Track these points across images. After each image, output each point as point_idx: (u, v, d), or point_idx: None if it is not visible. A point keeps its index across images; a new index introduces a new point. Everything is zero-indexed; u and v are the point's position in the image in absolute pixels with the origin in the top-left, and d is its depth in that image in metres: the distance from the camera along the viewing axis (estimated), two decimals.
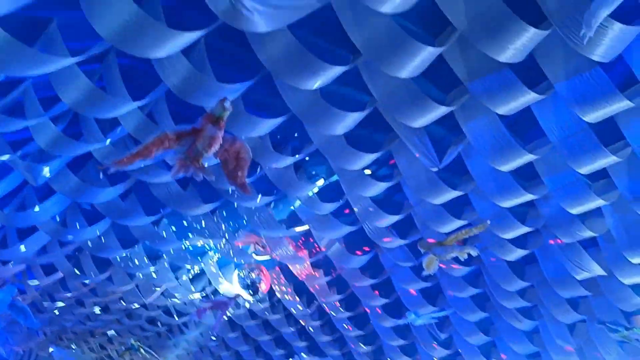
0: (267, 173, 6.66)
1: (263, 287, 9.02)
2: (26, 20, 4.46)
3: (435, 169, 5.98)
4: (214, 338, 8.73)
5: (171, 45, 4.16)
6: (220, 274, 9.76)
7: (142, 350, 12.40)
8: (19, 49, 4.14)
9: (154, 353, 12.48)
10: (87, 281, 9.46)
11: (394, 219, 7.34)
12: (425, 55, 4.69)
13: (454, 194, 6.62)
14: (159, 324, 12.95)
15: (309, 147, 6.27)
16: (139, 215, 7.29)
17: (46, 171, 5.73)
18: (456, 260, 6.13)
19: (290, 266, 9.86)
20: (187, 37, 4.20)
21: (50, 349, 15.22)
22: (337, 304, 10.40)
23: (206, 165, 3.25)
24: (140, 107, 4.92)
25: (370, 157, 6.34)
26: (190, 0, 4.47)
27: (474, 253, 5.63)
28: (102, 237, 7.85)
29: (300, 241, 8.86)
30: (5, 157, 5.42)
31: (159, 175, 6.49)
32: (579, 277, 7.79)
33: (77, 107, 4.64)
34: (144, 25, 3.94)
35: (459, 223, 7.22)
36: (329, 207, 7.35)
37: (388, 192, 7.04)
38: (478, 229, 5.54)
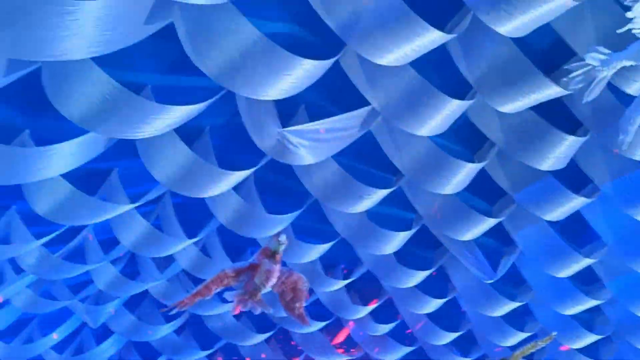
0: (320, 297, 6.62)
1: None
2: (88, 171, 4.79)
3: (490, 281, 5.85)
4: None
5: (223, 184, 4.39)
6: None
7: None
8: (83, 200, 4.42)
9: None
10: None
11: (453, 336, 7.07)
12: (466, 171, 4.79)
13: (512, 305, 6.41)
14: None
15: (360, 269, 6.27)
16: (194, 349, 7.24)
17: (107, 312, 5.84)
18: None
19: None
20: (238, 176, 4.43)
21: None
22: None
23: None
24: (194, 243, 5.09)
25: (422, 274, 6.27)
26: (239, 138, 4.77)
27: None
28: None
29: None
30: (66, 303, 5.58)
31: (213, 308, 6.53)
32: None
33: (135, 249, 4.83)
34: (197, 168, 4.20)
35: (522, 335, 6.90)
36: (384, 328, 7.17)
37: (445, 307, 6.85)
38: (544, 342, 5.24)
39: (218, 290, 3.21)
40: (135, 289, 5.52)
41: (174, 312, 3.29)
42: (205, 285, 3.19)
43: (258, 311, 3.33)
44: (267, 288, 3.19)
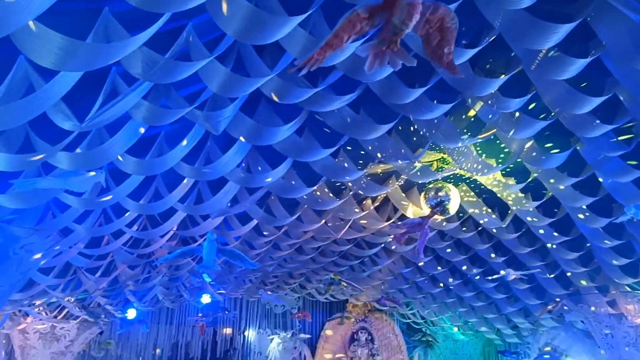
0: (442, 75, 6.03)
1: (452, 206, 8.48)
2: None
3: None
4: (422, 263, 8.43)
5: None
6: (405, 197, 9.46)
7: (343, 283, 12.75)
8: None
9: (354, 284, 12.77)
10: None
11: (595, 101, 6.30)
12: None
13: None
14: (351, 257, 13.18)
15: (487, 35, 5.51)
16: (317, 149, 7.13)
17: (226, 117, 5.73)
18: None
19: (479, 178, 9.25)
20: None
21: (258, 295, 16.42)
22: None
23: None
24: (301, 25, 4.58)
25: (559, 33, 5.40)
26: None
27: None
28: (286, 178, 7.89)
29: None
30: (185, 111, 5.50)
31: (330, 102, 6.22)
32: None
33: (240, 36, 4.41)
34: None
35: None
36: (517, 102, 6.52)
37: (585, 72, 6.00)
38: None
39: (350, 39, 2.67)
40: (248, 86, 5.24)
41: (304, 71, 2.78)
42: (334, 34, 2.62)
43: (398, 65, 2.79)
44: (409, 28, 2.58)
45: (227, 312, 16.38)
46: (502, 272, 9.82)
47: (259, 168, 7.56)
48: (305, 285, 16.12)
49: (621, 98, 6.61)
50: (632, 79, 5.96)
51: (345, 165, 7.79)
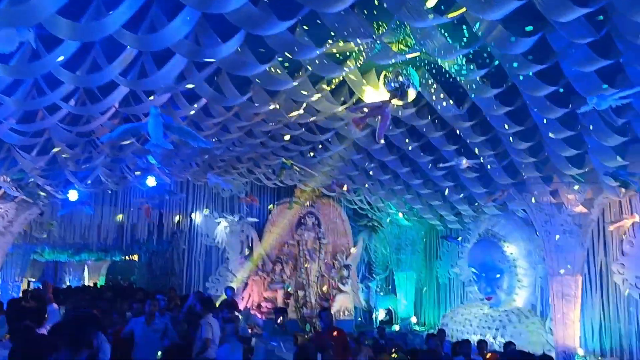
0: None
1: (412, 91, 8.14)
2: None
3: None
4: (382, 142, 8.18)
5: None
6: (364, 80, 9.03)
7: (295, 167, 12.54)
8: None
9: (306, 168, 12.59)
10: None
11: None
12: None
13: None
14: (302, 142, 12.89)
15: None
16: (274, 21, 6.49)
17: None
18: None
19: (440, 63, 8.87)
20: None
21: (204, 179, 16.11)
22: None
23: None
24: None
25: None
26: None
27: None
28: (239, 53, 7.27)
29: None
30: None
31: None
32: None
33: None
34: None
35: None
36: None
37: None
38: None
39: None
40: None
41: None
42: None
43: None
44: None
45: (172, 196, 16.09)
46: (465, 162, 9.77)
47: (209, 40, 6.88)
48: (254, 170, 15.89)
49: None
50: None
51: (304, 40, 7.21)
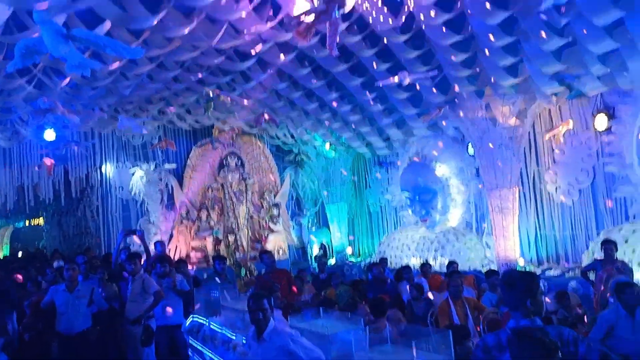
0: None
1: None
2: None
3: None
4: (336, 53, 7.23)
5: None
6: None
7: (222, 97, 11.34)
8: None
9: (236, 98, 11.43)
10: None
11: None
12: None
13: None
14: (219, 74, 11.68)
15: None
16: None
17: None
18: None
19: None
20: None
21: (112, 126, 14.56)
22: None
23: None
24: None
25: None
26: None
27: None
28: None
29: None
30: None
31: None
32: None
33: None
34: None
35: None
36: None
37: None
38: None
39: None
40: None
41: None
42: None
43: None
44: None
45: (79, 145, 14.43)
46: (409, 77, 9.04)
47: None
48: (166, 111, 14.47)
49: None
50: None
51: None
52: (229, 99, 11.22)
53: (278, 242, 17.53)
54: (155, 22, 7.68)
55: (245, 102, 11.33)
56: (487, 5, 8.36)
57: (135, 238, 11.86)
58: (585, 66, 9.60)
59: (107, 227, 16.27)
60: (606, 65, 9.52)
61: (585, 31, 8.62)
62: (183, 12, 7.92)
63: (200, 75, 11.23)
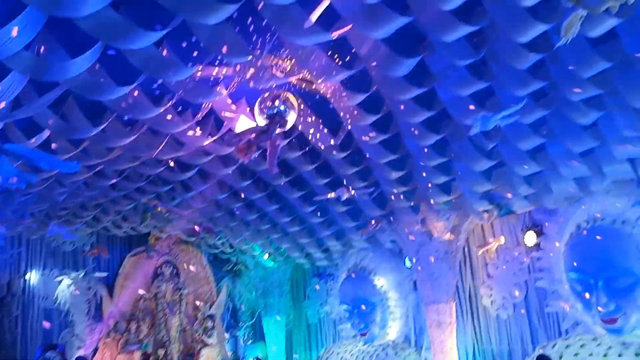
0: None
1: (291, 117, 7.50)
2: None
3: None
4: (276, 171, 7.34)
5: None
6: (234, 106, 8.22)
7: (158, 208, 11.16)
8: None
9: (174, 208, 11.27)
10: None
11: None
12: None
13: None
14: (159, 183, 11.62)
15: None
16: (138, 32, 5.49)
17: None
18: None
19: (314, 87, 8.35)
20: None
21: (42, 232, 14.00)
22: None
23: None
24: None
25: None
26: None
27: (631, 0, 4.13)
28: (92, 72, 6.09)
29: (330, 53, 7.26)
30: None
31: None
32: None
33: None
34: None
35: None
36: None
37: None
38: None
39: None
40: None
41: None
42: None
43: None
44: None
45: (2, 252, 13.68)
46: (346, 193, 9.28)
47: (55, 54, 5.65)
48: (101, 217, 14.10)
49: None
50: None
51: (173, 58, 6.25)
52: (166, 210, 11.08)
53: (211, 356, 16.66)
54: (98, 131, 7.67)
55: (184, 212, 11.20)
56: (420, 128, 8.85)
57: (55, 354, 11.02)
58: (513, 186, 10.18)
59: (25, 339, 15.06)
60: (532, 186, 10.13)
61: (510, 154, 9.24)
62: (125, 123, 7.97)
63: (139, 184, 11.12)
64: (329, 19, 6.33)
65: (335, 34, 6.48)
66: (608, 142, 8.60)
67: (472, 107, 8.01)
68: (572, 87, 7.46)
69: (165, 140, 8.60)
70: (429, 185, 10.69)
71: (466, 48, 6.92)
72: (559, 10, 5.92)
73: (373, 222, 12.00)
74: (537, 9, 6.01)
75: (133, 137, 8.14)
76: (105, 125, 7.59)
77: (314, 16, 6.01)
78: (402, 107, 8.22)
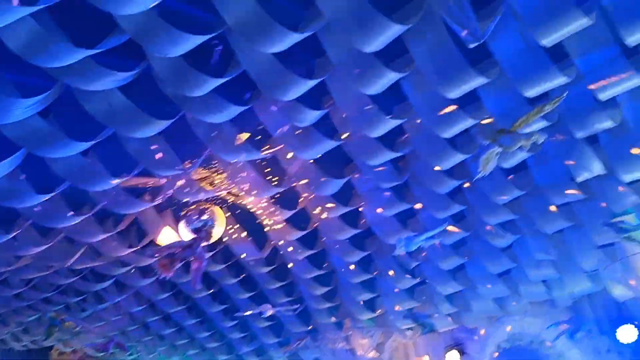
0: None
1: (217, 231, 7.40)
2: None
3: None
4: (199, 287, 7.03)
5: None
6: (159, 218, 8.02)
7: (67, 323, 10.32)
8: None
9: (84, 323, 10.46)
10: None
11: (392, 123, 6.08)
12: None
13: None
14: (71, 293, 10.90)
15: None
16: (65, 141, 5.38)
17: None
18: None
19: (242, 202, 8.34)
20: None
21: None
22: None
23: None
24: None
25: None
26: None
27: (540, 140, 4.54)
28: (11, 178, 5.83)
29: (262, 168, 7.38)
30: None
31: (99, 77, 4.70)
32: (578, 179, 7.10)
33: None
34: None
35: None
36: (314, 115, 5.92)
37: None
38: (552, 105, 4.39)
39: None
40: None
41: None
42: None
43: None
44: None
45: None
46: (272, 310, 9.06)
47: None
48: None
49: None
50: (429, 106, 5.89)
51: (99, 168, 6.11)
52: (75, 325, 10.33)
53: None
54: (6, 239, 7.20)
55: (94, 327, 10.46)
56: (346, 244, 8.95)
57: None
58: (435, 305, 10.29)
59: None
60: (453, 304, 10.28)
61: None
62: (40, 230, 7.55)
63: (47, 294, 10.36)
64: (261, 138, 6.50)
65: (265, 153, 6.62)
66: (522, 264, 8.99)
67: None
68: (488, 211, 7.87)
69: (82, 249, 8.17)
70: (354, 301, 10.62)
71: (391, 172, 7.22)
72: (476, 143, 6.38)
73: (300, 340, 11.68)
74: (455, 140, 6.43)
75: (46, 246, 7.68)
76: (17, 231, 7.15)
77: (243, 137, 6.17)
78: (329, 224, 8.32)
